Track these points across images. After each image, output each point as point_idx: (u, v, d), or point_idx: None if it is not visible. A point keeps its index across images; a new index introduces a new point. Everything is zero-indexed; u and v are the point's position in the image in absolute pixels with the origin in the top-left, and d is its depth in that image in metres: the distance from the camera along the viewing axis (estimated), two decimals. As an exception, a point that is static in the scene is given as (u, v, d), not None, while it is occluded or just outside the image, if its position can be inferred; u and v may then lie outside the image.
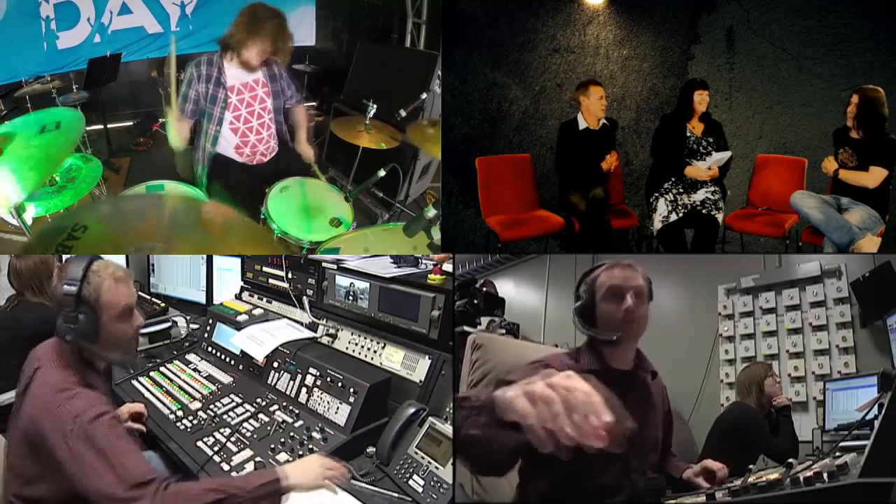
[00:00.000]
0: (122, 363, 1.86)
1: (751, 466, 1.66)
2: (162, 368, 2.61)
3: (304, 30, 5.73)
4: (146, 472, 1.50)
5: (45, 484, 1.58)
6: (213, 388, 2.39)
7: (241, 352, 2.48)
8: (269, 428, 2.05)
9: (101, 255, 1.73)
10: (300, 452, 1.90)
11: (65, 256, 1.78)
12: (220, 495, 1.51)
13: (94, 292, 1.62)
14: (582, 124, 3.72)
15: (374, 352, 2.29)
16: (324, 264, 2.58)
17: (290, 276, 2.73)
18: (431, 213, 2.30)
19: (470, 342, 2.10)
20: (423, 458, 1.82)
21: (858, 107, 3.26)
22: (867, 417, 1.87)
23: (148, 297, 3.70)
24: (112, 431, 1.54)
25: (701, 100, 3.64)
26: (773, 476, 1.55)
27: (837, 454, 1.82)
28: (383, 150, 3.70)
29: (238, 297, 3.06)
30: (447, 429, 1.85)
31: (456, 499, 1.73)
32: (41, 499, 1.60)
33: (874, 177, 3.25)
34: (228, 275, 3.37)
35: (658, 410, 1.75)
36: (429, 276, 2.22)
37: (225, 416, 2.17)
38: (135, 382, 2.52)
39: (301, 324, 2.58)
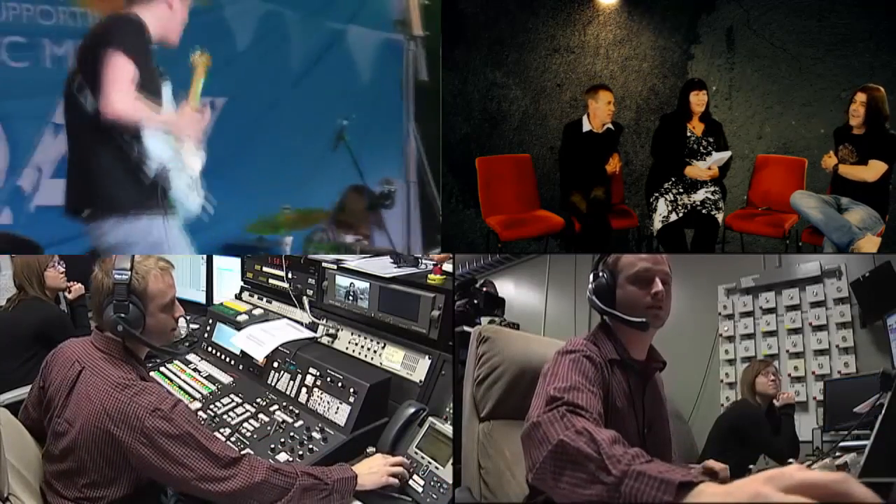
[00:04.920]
0: (160, 351, 1.87)
1: (751, 466, 1.66)
2: (162, 368, 2.60)
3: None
4: (235, 450, 1.56)
5: (115, 484, 1.54)
6: (213, 388, 2.39)
7: (241, 352, 2.47)
8: (269, 428, 2.05)
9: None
10: (300, 453, 1.89)
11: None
12: (311, 480, 1.56)
13: (142, 281, 1.61)
14: (586, 126, 3.72)
15: (374, 352, 2.28)
16: (324, 264, 2.57)
17: (290, 276, 2.72)
18: None
19: (475, 335, 1.96)
20: (423, 458, 1.82)
21: (867, 105, 3.28)
22: (867, 417, 1.87)
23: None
24: (192, 417, 1.56)
25: (697, 100, 3.64)
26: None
27: (837, 454, 1.83)
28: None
29: (238, 297, 3.05)
30: (447, 429, 1.85)
31: (456, 499, 1.73)
32: (114, 499, 1.55)
33: (873, 170, 3.26)
34: (228, 275, 3.36)
35: (666, 405, 1.67)
36: (429, 276, 2.22)
37: (225, 417, 2.16)
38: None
39: (301, 324, 2.57)
